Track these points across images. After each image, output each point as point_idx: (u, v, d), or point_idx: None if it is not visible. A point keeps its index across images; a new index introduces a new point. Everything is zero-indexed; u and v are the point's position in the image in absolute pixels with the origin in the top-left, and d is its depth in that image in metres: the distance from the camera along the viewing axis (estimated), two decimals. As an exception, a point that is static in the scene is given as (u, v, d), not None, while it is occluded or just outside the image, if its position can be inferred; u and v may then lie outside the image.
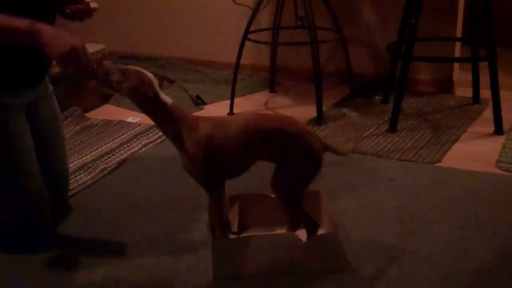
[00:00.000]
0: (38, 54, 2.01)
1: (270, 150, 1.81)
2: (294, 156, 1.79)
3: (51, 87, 2.24)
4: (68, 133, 2.98)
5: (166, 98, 1.81)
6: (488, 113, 3.15)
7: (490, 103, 3.05)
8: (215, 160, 1.79)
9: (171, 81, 1.79)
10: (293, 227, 1.93)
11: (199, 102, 3.46)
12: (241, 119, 1.84)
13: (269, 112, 3.33)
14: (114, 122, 3.15)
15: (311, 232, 1.87)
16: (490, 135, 2.96)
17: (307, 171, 1.82)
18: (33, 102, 2.10)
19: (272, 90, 3.71)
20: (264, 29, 3.63)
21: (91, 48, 3.78)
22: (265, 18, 3.76)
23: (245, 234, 2.01)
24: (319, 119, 3.14)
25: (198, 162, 1.79)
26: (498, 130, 2.98)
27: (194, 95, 3.51)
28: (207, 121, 1.82)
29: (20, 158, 1.99)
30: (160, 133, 2.95)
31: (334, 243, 1.85)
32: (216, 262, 1.82)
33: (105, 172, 2.57)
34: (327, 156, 2.69)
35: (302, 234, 1.88)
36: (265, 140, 1.79)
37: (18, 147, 1.99)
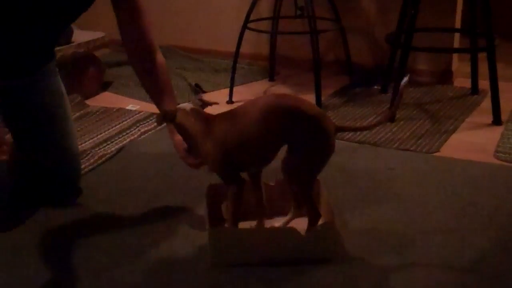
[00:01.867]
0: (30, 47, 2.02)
1: (285, 130, 1.77)
2: (308, 138, 1.77)
3: (52, 66, 2.24)
4: (67, 120, 2.99)
5: (187, 109, 1.84)
6: (486, 103, 3.16)
7: (489, 93, 3.06)
8: (234, 155, 1.79)
9: (202, 90, 1.84)
10: (298, 211, 1.94)
11: (198, 90, 3.47)
12: (259, 104, 1.79)
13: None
14: (114, 110, 3.15)
15: (313, 221, 1.86)
16: (489, 125, 2.97)
17: (319, 153, 1.80)
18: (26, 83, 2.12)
19: (272, 79, 3.71)
20: (264, 19, 3.63)
21: (90, 35, 3.80)
22: (265, 7, 3.76)
23: (243, 223, 2.00)
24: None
25: (217, 160, 1.80)
26: (497, 120, 2.98)
27: (193, 83, 3.51)
28: (222, 117, 1.83)
29: None
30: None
31: (332, 232, 1.86)
32: (214, 252, 1.83)
33: (103, 158, 2.58)
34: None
35: (303, 222, 1.89)
36: (282, 120, 1.76)
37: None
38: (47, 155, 2.17)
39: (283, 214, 2.00)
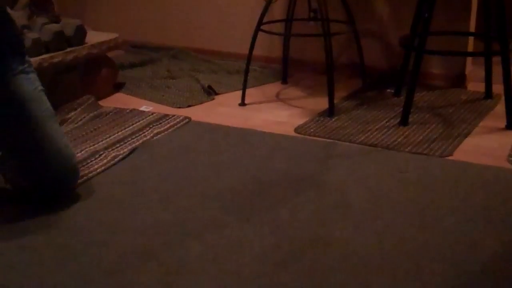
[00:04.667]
0: None
1: None
2: None
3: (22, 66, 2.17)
4: (81, 120, 3.01)
5: None
6: (500, 108, 3.15)
7: (503, 98, 3.05)
8: None
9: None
10: None
11: (211, 92, 3.48)
12: None
13: (281, 103, 3.35)
14: (127, 111, 3.17)
15: None
16: (502, 129, 2.96)
17: None
18: None
19: (284, 81, 3.72)
20: (277, 21, 3.63)
21: (104, 37, 3.82)
22: (278, 9, 3.76)
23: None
24: (331, 111, 3.14)
25: None
26: (510, 125, 2.96)
27: (206, 85, 3.52)
28: None
29: None
30: (173, 122, 2.98)
31: None
32: None
33: (116, 159, 2.59)
34: (338, 148, 2.69)
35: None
36: None
37: None
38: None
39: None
